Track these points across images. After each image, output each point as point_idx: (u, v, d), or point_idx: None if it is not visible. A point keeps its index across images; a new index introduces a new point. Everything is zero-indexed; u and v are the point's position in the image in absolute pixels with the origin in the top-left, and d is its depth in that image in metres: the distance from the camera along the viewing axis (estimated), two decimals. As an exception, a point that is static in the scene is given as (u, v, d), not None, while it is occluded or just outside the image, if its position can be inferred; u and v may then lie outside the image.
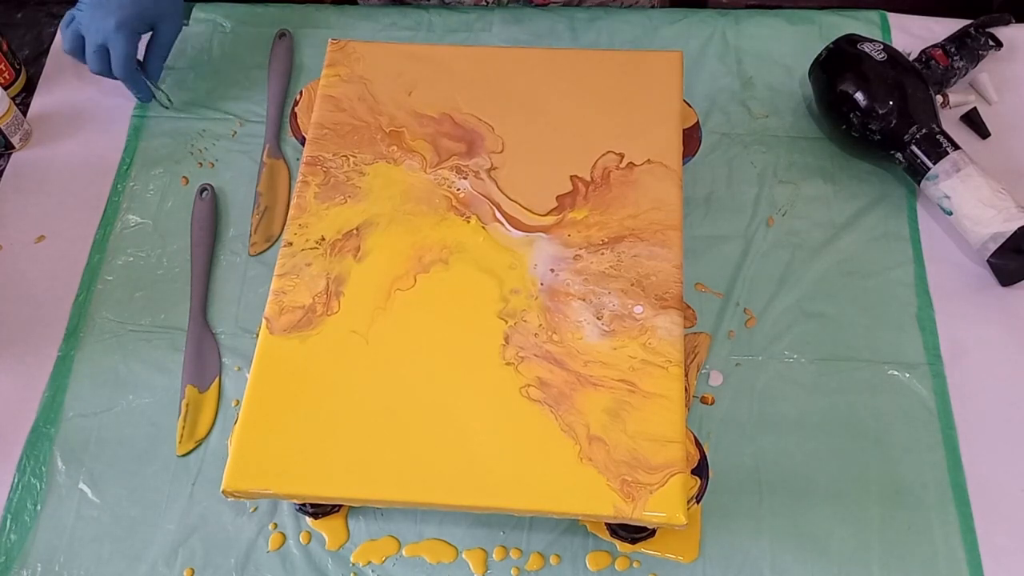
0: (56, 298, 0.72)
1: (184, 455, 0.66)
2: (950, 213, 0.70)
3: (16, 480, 0.65)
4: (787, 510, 0.62)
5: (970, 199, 0.69)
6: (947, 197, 0.70)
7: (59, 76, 0.85)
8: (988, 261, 0.69)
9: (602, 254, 0.60)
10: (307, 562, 0.62)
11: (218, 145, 0.80)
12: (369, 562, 0.62)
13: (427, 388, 0.56)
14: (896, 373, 0.67)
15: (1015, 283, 0.69)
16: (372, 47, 0.71)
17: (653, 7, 0.86)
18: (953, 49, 0.77)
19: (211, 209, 0.75)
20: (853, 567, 0.60)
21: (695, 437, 0.56)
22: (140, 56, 0.78)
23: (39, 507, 0.64)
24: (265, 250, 0.74)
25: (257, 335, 0.59)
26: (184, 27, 0.86)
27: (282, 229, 0.74)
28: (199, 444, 0.66)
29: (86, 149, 0.80)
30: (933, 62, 0.77)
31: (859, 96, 0.72)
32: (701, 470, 0.55)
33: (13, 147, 0.80)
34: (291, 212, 0.63)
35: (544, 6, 0.85)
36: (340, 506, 0.63)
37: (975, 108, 0.78)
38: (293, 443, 0.55)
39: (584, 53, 0.72)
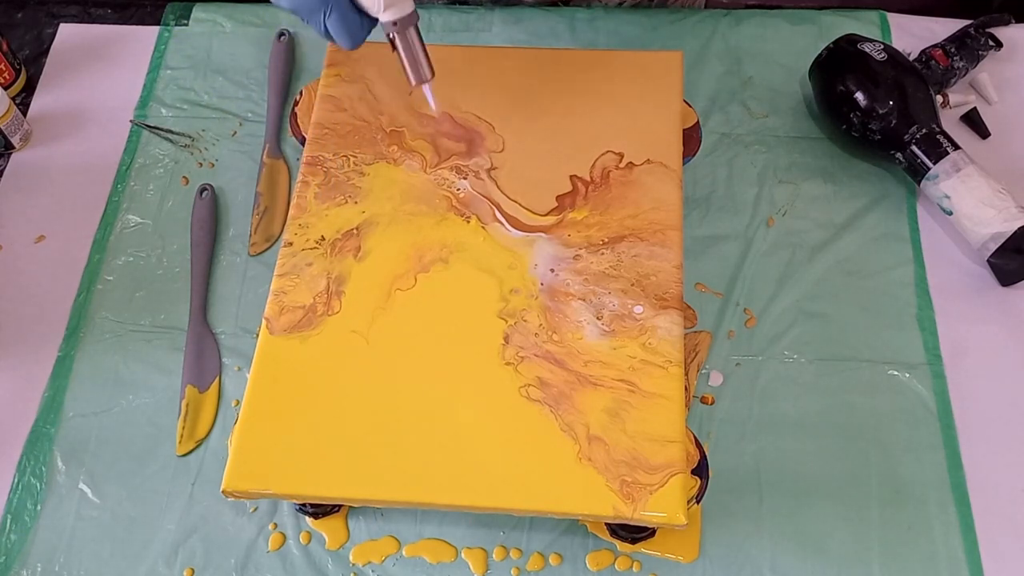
0: (56, 298, 0.72)
1: (184, 455, 0.66)
2: (950, 213, 0.70)
3: (16, 480, 0.65)
4: (787, 510, 0.62)
5: (970, 199, 0.69)
6: (947, 197, 0.70)
7: (59, 76, 0.85)
8: (988, 261, 0.69)
9: (602, 254, 0.60)
10: (307, 562, 0.62)
11: (218, 145, 0.80)
12: (369, 562, 0.62)
13: (427, 388, 0.56)
14: (896, 373, 0.67)
15: (1015, 283, 0.69)
16: (372, 47, 0.70)
17: (651, 5, 0.86)
18: (953, 49, 0.77)
19: (211, 209, 0.75)
20: (853, 567, 0.60)
21: (695, 437, 0.56)
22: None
23: (39, 507, 0.64)
24: (265, 250, 0.74)
25: (257, 335, 0.59)
26: (184, 27, 0.86)
27: (282, 229, 0.74)
28: (199, 444, 0.66)
29: (86, 149, 0.80)
30: (933, 62, 0.77)
31: (859, 96, 0.72)
32: (701, 470, 0.55)
33: (13, 147, 0.80)
34: (291, 212, 0.63)
35: (542, 6, 0.85)
36: (340, 506, 0.63)
37: (975, 108, 0.78)
38: (293, 443, 0.55)
39: (584, 53, 0.72)
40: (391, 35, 0.57)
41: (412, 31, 0.57)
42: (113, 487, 0.65)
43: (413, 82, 0.60)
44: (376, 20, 0.56)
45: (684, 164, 0.65)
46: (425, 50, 0.59)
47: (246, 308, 0.71)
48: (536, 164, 0.64)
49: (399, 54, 0.58)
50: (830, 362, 0.67)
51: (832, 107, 0.75)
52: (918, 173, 0.71)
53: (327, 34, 0.55)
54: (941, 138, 0.70)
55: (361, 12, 0.55)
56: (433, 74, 0.60)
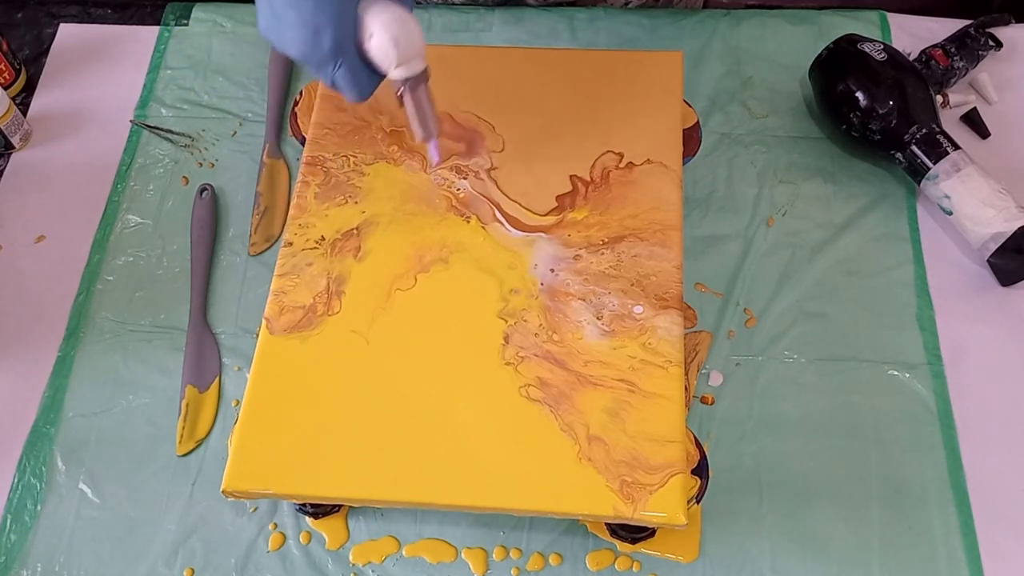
0: (56, 298, 0.72)
1: (184, 455, 0.66)
2: (950, 213, 0.70)
3: (16, 480, 0.65)
4: (787, 510, 0.62)
5: (970, 199, 0.69)
6: (947, 197, 0.70)
7: (59, 76, 0.85)
8: (988, 261, 0.69)
9: (602, 254, 0.60)
10: (307, 562, 0.62)
11: (218, 145, 0.80)
12: (369, 562, 0.62)
13: (427, 388, 0.56)
14: (896, 373, 0.67)
15: (1015, 283, 0.69)
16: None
17: (657, 5, 0.86)
18: (953, 49, 0.77)
19: (211, 209, 0.75)
20: (853, 567, 0.60)
21: (695, 437, 0.56)
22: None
23: (39, 507, 0.64)
24: (265, 250, 0.74)
25: (257, 335, 0.59)
26: (184, 27, 0.86)
27: (282, 229, 0.74)
28: (199, 444, 0.66)
29: (86, 149, 0.80)
30: (933, 62, 0.77)
31: (859, 96, 0.72)
32: (701, 470, 0.55)
33: (13, 147, 0.80)
34: (291, 212, 0.63)
35: (543, 7, 0.85)
36: (340, 506, 0.63)
37: (975, 108, 0.78)
38: (293, 443, 0.55)
39: (584, 53, 0.72)
40: (400, 92, 0.55)
41: (422, 89, 0.56)
42: (113, 487, 0.65)
43: (419, 139, 0.58)
44: (385, 75, 0.54)
45: (684, 164, 0.65)
46: (434, 107, 0.57)
47: (246, 308, 0.71)
48: (536, 164, 0.64)
49: (407, 110, 0.57)
50: (830, 362, 0.67)
51: (832, 107, 0.75)
52: (918, 173, 0.71)
53: (335, 86, 0.54)
54: (941, 138, 0.71)
55: (371, 67, 0.54)
56: (440, 132, 0.59)
